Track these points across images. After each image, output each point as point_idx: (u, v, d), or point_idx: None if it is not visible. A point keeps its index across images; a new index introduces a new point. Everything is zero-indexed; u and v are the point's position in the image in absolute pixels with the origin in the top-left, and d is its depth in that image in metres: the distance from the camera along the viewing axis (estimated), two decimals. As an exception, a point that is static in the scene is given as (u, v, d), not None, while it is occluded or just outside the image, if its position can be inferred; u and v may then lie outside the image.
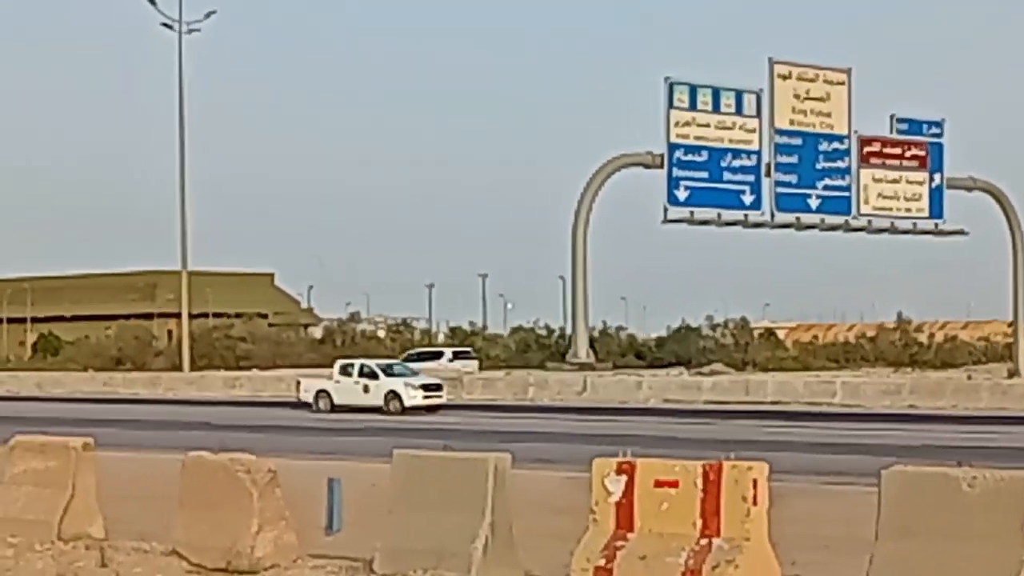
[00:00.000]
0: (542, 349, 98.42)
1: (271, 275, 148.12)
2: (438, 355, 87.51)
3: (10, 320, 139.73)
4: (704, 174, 75.56)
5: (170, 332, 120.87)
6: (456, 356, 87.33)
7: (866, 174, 79.86)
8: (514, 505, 13.87)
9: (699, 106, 75.53)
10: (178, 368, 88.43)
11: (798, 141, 77.83)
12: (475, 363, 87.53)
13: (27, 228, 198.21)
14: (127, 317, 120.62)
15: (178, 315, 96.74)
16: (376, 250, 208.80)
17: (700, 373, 74.84)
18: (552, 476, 26.03)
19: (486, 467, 13.62)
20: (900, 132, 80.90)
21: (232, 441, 28.46)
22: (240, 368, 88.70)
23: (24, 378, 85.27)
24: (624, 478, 12.30)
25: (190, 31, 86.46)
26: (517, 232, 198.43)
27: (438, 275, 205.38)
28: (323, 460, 29.47)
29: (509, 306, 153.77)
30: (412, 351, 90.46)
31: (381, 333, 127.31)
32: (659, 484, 12.17)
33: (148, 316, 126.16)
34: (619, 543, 12.26)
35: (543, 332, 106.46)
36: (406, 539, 13.81)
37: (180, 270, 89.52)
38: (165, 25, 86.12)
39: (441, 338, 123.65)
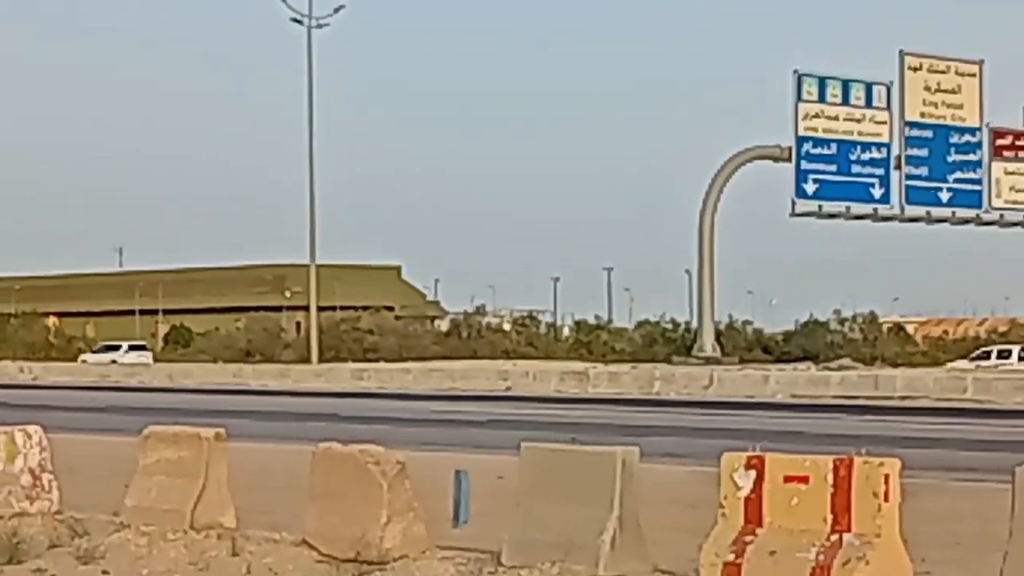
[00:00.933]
0: (668, 343, 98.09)
1: (398, 268, 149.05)
2: (116, 347, 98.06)
3: (142, 312, 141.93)
4: (833, 167, 74.92)
5: (298, 324, 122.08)
6: (131, 348, 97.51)
7: (998, 167, 78.72)
8: (642, 499, 13.84)
9: (828, 99, 74.91)
10: (306, 360, 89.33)
11: (929, 134, 76.89)
12: (149, 355, 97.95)
13: (159, 221, 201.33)
14: (256, 309, 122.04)
15: (306, 308, 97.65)
16: (502, 243, 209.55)
17: (828, 368, 74.09)
18: (679, 470, 25.90)
19: (614, 460, 13.59)
20: (1033, 125, 79.63)
21: (361, 433, 28.76)
22: (367, 360, 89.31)
23: (156, 369, 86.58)
24: (753, 473, 12.23)
25: (319, 25, 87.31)
26: (643, 225, 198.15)
27: (564, 268, 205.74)
28: (449, 452, 29.59)
29: (633, 300, 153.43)
30: (98, 345, 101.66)
31: (507, 326, 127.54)
32: (788, 479, 12.08)
33: (277, 309, 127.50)
34: (748, 538, 12.20)
35: (669, 326, 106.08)
36: (534, 531, 13.83)
37: (308, 263, 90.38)
38: (295, 20, 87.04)
39: (566, 331, 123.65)
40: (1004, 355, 79.69)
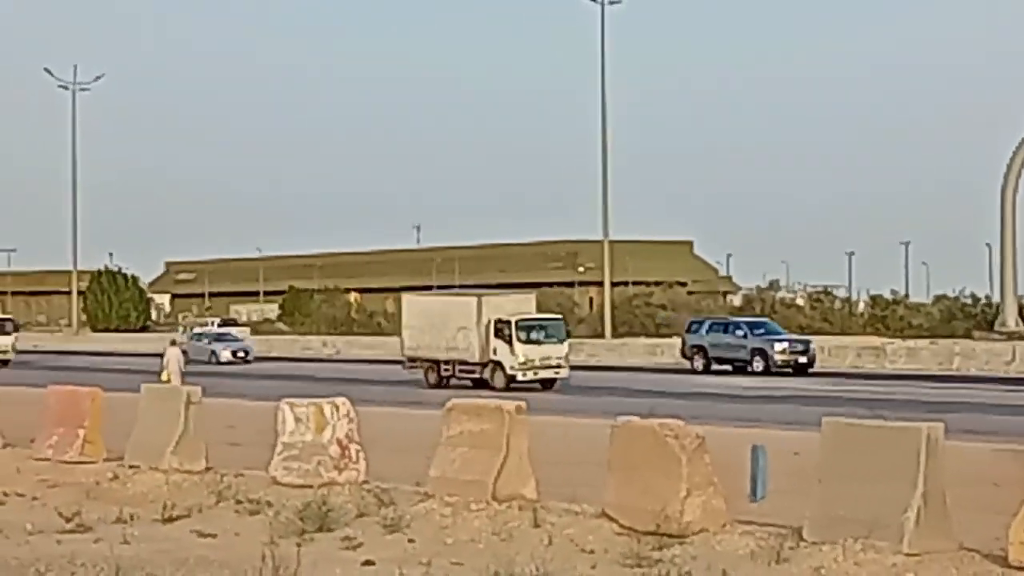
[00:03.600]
0: (967, 318, 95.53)
1: (690, 243, 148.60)
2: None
3: (439, 287, 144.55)
4: None
5: (591, 300, 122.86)
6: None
7: None
8: (945, 476, 13.59)
9: None
10: (600, 335, 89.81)
11: None
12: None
13: (456, 199, 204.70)
14: (550, 285, 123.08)
15: (599, 283, 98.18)
16: (795, 218, 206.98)
17: None
18: (982, 448, 25.34)
19: (918, 436, 13.37)
20: None
21: (657, 407, 28.87)
22: (660, 335, 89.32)
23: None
24: (1064, 451, 11.92)
25: (611, 2, 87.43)
26: (941, 198, 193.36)
27: (859, 243, 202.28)
28: (746, 428, 29.51)
29: (932, 274, 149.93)
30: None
31: (800, 301, 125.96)
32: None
33: (570, 284, 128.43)
34: (1059, 518, 11.88)
35: (968, 300, 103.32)
36: (836, 508, 13.71)
37: (602, 239, 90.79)
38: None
39: (861, 306, 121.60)
40: None
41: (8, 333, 73.42)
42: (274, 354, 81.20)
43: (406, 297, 57.19)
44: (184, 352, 44.79)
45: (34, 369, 60.84)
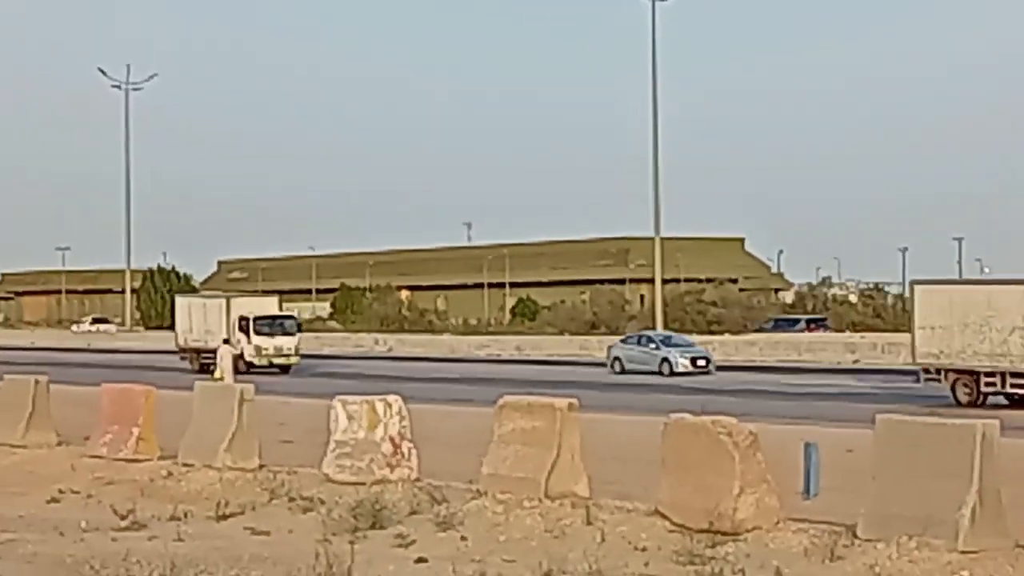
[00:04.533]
0: None
1: (741, 240, 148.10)
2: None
3: (490, 285, 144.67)
4: None
5: (642, 297, 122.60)
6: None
7: None
8: (1001, 473, 13.50)
9: None
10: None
11: None
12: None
13: (506, 197, 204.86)
14: (601, 282, 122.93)
15: (650, 280, 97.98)
16: (847, 214, 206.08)
17: None
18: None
19: (973, 433, 13.29)
20: None
21: (709, 404, 28.80)
22: (711, 332, 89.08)
23: (504, 341, 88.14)
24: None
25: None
26: (995, 194, 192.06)
27: (912, 238, 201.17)
28: (798, 425, 29.38)
29: (987, 271, 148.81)
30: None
31: (853, 298, 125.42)
32: None
33: (621, 281, 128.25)
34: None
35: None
36: (891, 505, 13.63)
37: (653, 236, 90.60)
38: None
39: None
40: None
41: (291, 333, 62.38)
42: (326, 351, 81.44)
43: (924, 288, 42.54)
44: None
45: (87, 368, 61.24)
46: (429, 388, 45.56)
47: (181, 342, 64.62)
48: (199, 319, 63.30)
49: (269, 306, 64.38)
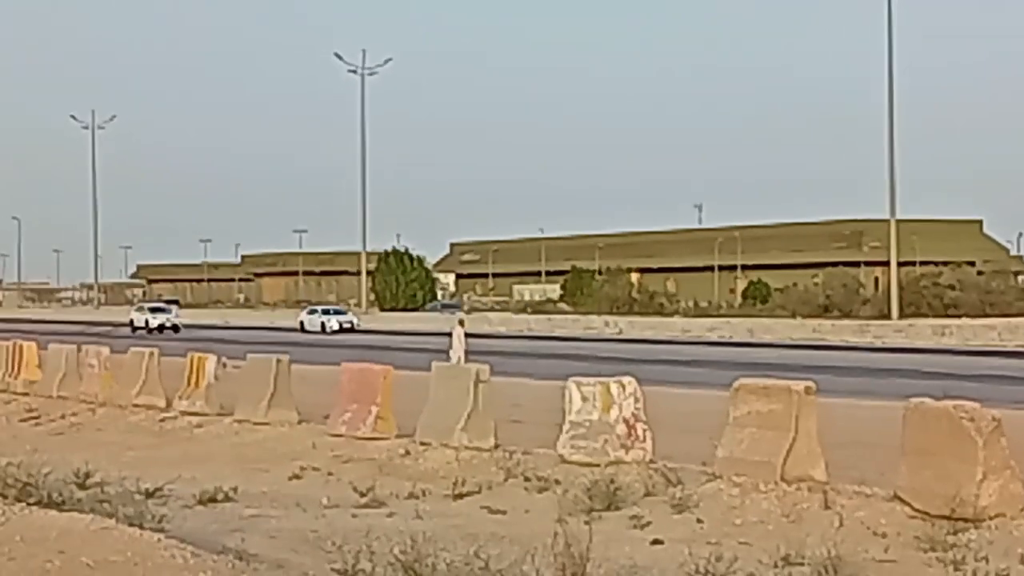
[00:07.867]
0: None
1: (979, 222, 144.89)
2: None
3: (721, 268, 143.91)
4: None
5: (876, 280, 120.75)
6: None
7: None
8: None
9: None
10: (886, 316, 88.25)
11: None
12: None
13: (738, 179, 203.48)
14: (834, 265, 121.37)
15: (885, 263, 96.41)
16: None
17: None
18: None
19: None
20: None
21: (948, 390, 28.20)
22: (948, 316, 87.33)
23: (735, 324, 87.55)
24: None
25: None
26: None
27: None
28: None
29: None
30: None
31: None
32: None
33: (855, 264, 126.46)
34: None
35: None
36: None
37: (888, 218, 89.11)
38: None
39: None
40: None
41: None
42: (556, 333, 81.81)
43: None
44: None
45: (325, 348, 62.48)
46: (660, 370, 45.42)
47: None
48: None
49: None
